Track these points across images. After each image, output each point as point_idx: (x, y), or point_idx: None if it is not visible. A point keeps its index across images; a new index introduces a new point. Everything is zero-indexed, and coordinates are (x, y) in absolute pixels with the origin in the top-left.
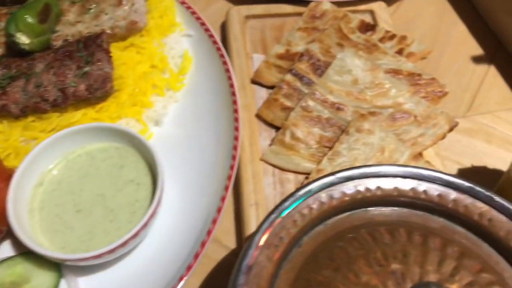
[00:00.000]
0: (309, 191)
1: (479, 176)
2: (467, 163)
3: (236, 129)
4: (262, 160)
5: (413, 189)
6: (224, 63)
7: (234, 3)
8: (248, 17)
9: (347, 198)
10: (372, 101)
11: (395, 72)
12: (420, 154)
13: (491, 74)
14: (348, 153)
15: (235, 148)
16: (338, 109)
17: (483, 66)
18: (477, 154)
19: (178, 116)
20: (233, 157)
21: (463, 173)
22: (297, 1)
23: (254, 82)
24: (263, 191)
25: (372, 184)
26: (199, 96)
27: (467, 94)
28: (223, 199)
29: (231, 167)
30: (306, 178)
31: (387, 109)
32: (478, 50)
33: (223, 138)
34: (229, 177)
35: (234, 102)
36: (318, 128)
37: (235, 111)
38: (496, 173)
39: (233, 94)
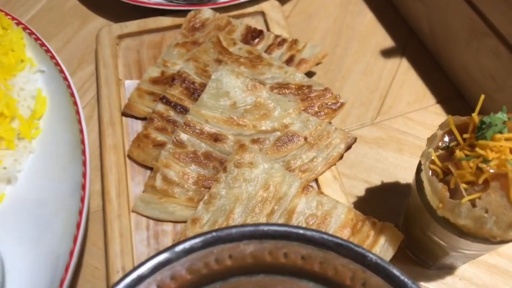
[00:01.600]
0: (139, 277)
1: (390, 194)
2: (377, 180)
3: (83, 187)
4: (133, 211)
5: (271, 253)
6: (75, 103)
7: (113, 20)
8: (121, 36)
9: (189, 277)
10: (256, 126)
11: (282, 87)
12: (315, 180)
13: (402, 68)
14: (228, 194)
15: (80, 215)
16: (217, 140)
17: (394, 59)
18: (387, 168)
19: (35, 168)
20: (78, 225)
21: (372, 192)
22: (178, 11)
23: (126, 114)
24: (133, 251)
25: (222, 252)
26: (55, 143)
27: (376, 95)
28: (67, 268)
29: (77, 226)
30: (183, 230)
31: (273, 133)
32: (388, 41)
33: (75, 192)
34: (74, 239)
35: (83, 152)
36: (194, 166)
37: (84, 163)
38: (408, 187)
39: (82, 142)
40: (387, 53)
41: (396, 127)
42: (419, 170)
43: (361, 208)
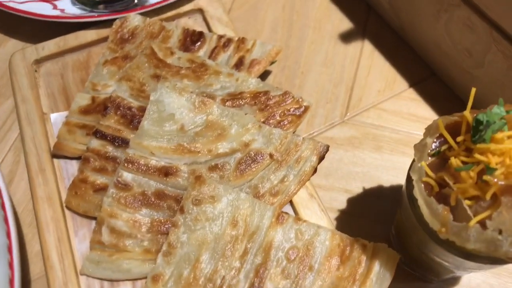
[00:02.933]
0: None
1: (375, 201)
2: (358, 187)
3: (10, 265)
4: (82, 274)
5: None
6: None
7: (29, 40)
8: (39, 61)
9: None
10: (211, 150)
11: (235, 97)
12: (290, 202)
13: (366, 51)
14: (190, 239)
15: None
16: (168, 174)
17: (355, 43)
18: (368, 171)
19: None
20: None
21: (354, 203)
22: (102, 22)
23: (57, 156)
24: None
25: None
26: None
27: (342, 88)
28: None
29: None
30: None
31: (233, 155)
32: (346, 23)
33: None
34: None
35: (5, 220)
36: (146, 210)
37: (7, 235)
38: (394, 190)
39: (2, 207)
40: (346, 37)
41: (370, 121)
42: (409, 185)
43: (345, 224)
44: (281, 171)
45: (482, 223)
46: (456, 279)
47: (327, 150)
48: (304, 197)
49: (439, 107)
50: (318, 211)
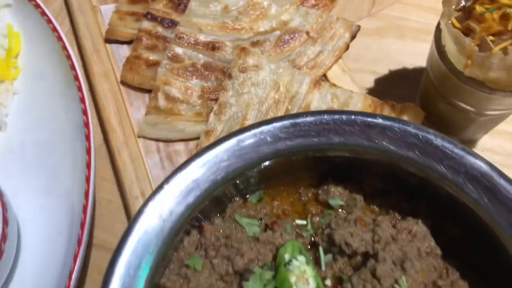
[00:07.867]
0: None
1: (400, 80)
2: (383, 69)
3: (86, 125)
4: (140, 136)
5: None
6: (54, 29)
7: None
8: None
9: None
10: (253, 28)
11: None
12: (324, 76)
13: None
14: (238, 101)
15: (87, 138)
16: (214, 48)
17: None
18: (392, 56)
19: (23, 111)
20: (88, 165)
21: (381, 82)
22: None
23: (109, 40)
24: (148, 175)
25: None
26: (40, 81)
27: None
28: (84, 210)
29: (88, 166)
30: (198, 144)
31: (273, 33)
32: None
33: (73, 128)
34: (87, 180)
35: (79, 89)
36: (196, 80)
37: (82, 100)
38: (417, 72)
39: (72, 67)
40: None
41: (394, 14)
42: (438, 36)
43: None
44: (317, 47)
45: (504, 53)
46: (472, 142)
47: (359, 29)
48: (337, 71)
49: None
50: (350, 83)
